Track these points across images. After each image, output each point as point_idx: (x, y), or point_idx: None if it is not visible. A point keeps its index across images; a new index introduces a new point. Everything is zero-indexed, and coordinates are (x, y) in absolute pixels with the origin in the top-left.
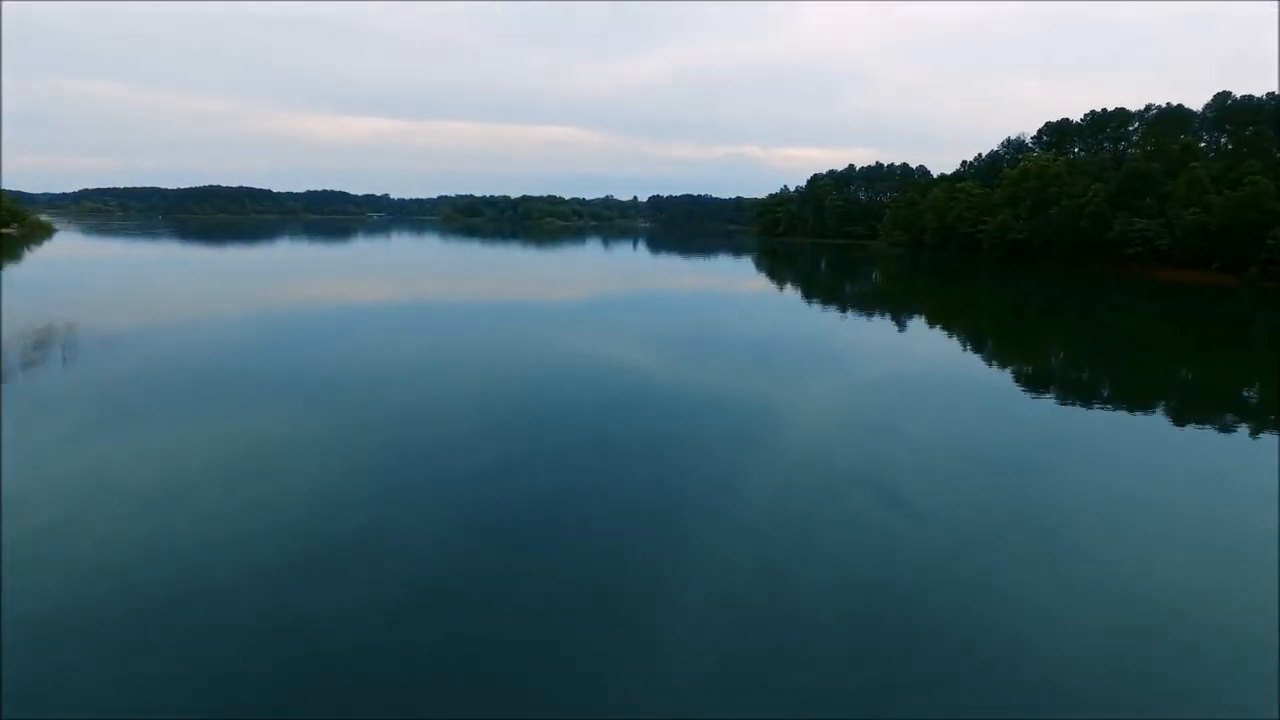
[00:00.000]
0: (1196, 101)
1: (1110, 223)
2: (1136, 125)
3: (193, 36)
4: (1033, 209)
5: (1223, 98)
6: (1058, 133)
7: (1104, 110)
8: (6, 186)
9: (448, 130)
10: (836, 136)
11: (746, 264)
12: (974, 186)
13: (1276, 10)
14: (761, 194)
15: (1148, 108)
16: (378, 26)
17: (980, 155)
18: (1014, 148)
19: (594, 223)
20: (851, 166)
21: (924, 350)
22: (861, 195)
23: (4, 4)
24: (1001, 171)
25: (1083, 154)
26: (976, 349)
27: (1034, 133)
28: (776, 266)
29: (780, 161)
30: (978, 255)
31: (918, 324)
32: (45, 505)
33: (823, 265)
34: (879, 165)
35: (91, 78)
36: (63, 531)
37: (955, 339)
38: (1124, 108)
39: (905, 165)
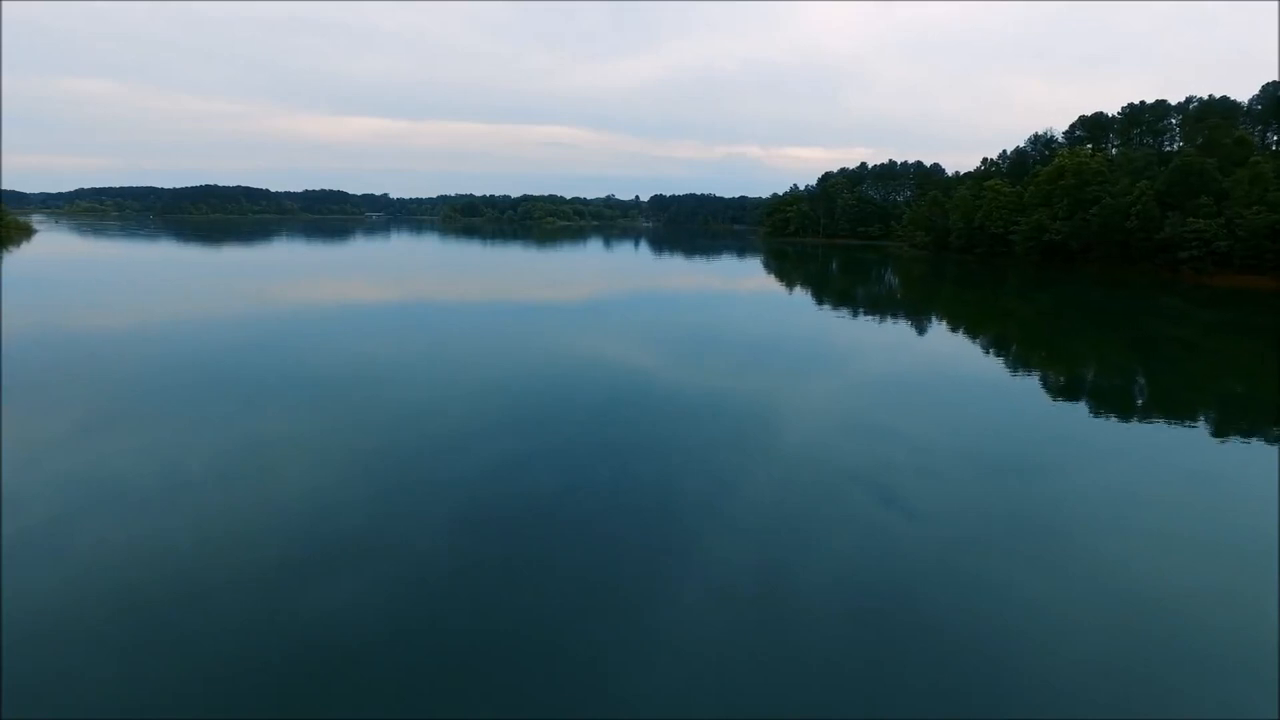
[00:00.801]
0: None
1: (1160, 223)
2: (1177, 119)
3: (193, 37)
4: (1071, 208)
5: (1273, 88)
6: (1092, 127)
7: (1141, 103)
8: (4, 186)
9: (448, 130)
10: (836, 136)
11: (756, 266)
12: (1003, 185)
13: (1276, 10)
14: (762, 194)
15: (1189, 100)
16: (378, 26)
17: (1005, 152)
18: (1043, 144)
19: (595, 222)
20: (864, 164)
21: (958, 368)
22: (873, 194)
23: (4, 4)
24: (1032, 169)
25: (1118, 149)
26: (1017, 367)
27: (1064, 128)
28: (788, 269)
29: (780, 161)
30: (1008, 257)
31: (957, 339)
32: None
33: (839, 268)
34: (892, 163)
35: (91, 77)
36: (62, 531)
37: (990, 355)
38: (1164, 99)
39: (920, 163)
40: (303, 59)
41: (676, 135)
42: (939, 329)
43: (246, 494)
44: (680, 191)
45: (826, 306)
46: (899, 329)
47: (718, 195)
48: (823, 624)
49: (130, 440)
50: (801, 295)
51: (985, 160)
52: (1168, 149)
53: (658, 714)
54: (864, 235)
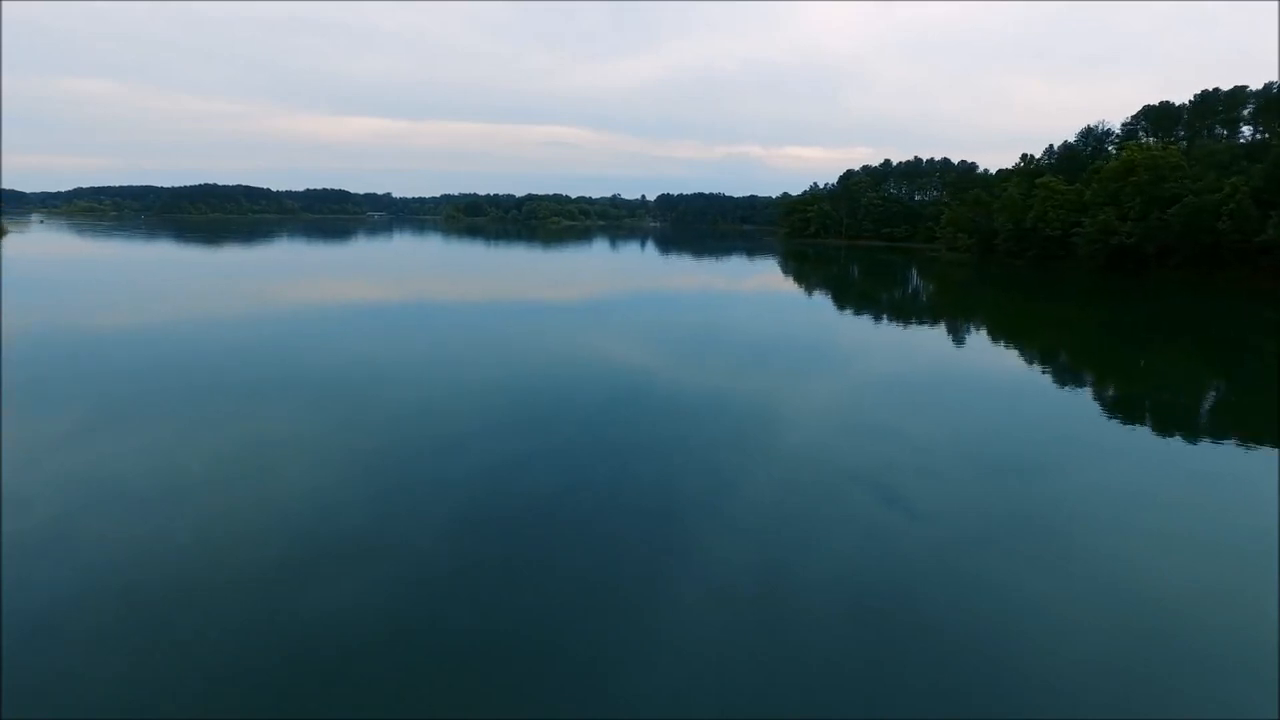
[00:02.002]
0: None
1: (1260, 223)
2: (1252, 106)
3: (193, 37)
4: (1144, 207)
5: None
6: (1159, 118)
7: (1215, 90)
8: (4, 186)
9: (449, 130)
10: (836, 136)
11: (775, 270)
12: (1058, 182)
13: (1276, 10)
14: (762, 193)
15: (1269, 85)
16: (378, 27)
17: (1052, 147)
18: (1096, 138)
19: (601, 222)
20: (888, 162)
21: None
22: (893, 192)
23: (4, 4)
24: (1090, 165)
25: (1187, 141)
26: (1093, 394)
27: (1125, 119)
28: (814, 275)
29: (780, 161)
30: (1066, 262)
31: (1026, 365)
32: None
33: (871, 274)
34: (918, 160)
35: (91, 78)
36: (63, 531)
37: (1062, 380)
38: (1243, 85)
39: (946, 160)
40: (302, 59)
41: (677, 135)
42: (1010, 355)
43: (247, 494)
44: (681, 191)
45: (872, 317)
46: (959, 350)
47: (726, 194)
48: (823, 624)
49: (130, 440)
50: (834, 304)
51: (1025, 156)
52: (1243, 140)
53: (658, 714)
54: (889, 236)
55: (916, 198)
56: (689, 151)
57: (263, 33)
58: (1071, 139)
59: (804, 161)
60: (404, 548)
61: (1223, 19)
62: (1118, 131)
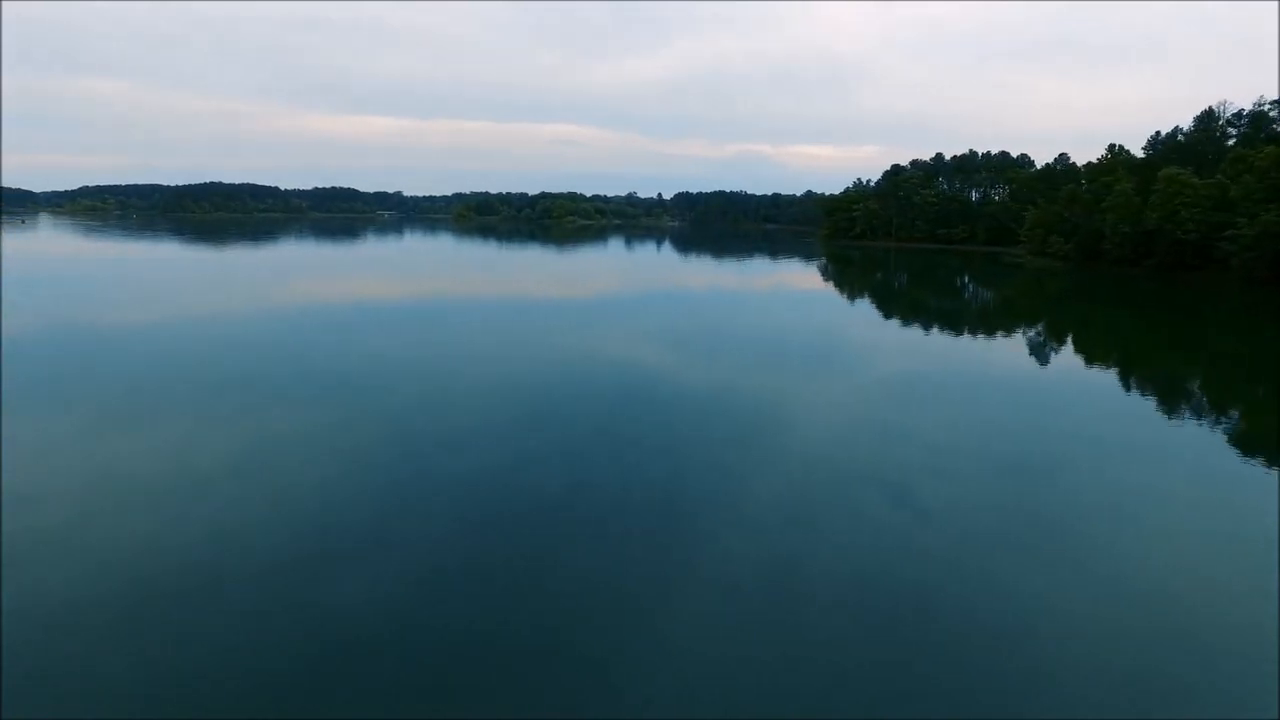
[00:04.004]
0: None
1: None
2: None
3: (202, 35)
4: None
5: None
6: None
7: None
8: (9, 184)
9: (458, 128)
10: (847, 134)
11: (824, 285)
12: (1188, 175)
13: (1277, 9)
14: (784, 190)
15: None
16: (385, 26)
17: (1159, 134)
18: (1222, 122)
19: (618, 221)
20: (940, 156)
21: None
22: (945, 189)
23: (4, 3)
24: (1232, 152)
25: None
26: None
27: (1260, 100)
28: (888, 288)
29: (790, 159)
30: (1202, 273)
31: None
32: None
33: (956, 291)
34: (972, 153)
35: (102, 77)
36: (75, 527)
37: None
38: None
39: (1005, 154)
40: (309, 58)
41: (686, 133)
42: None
43: (255, 491)
44: (693, 188)
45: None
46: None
47: (747, 192)
48: (833, 624)
49: (141, 437)
50: (958, 334)
51: (1113, 147)
52: None
53: (666, 713)
54: (944, 238)
55: (969, 194)
56: (699, 149)
57: (269, 32)
58: (1177, 131)
59: (814, 159)
60: (412, 545)
61: (1222, 19)
62: (1247, 112)
